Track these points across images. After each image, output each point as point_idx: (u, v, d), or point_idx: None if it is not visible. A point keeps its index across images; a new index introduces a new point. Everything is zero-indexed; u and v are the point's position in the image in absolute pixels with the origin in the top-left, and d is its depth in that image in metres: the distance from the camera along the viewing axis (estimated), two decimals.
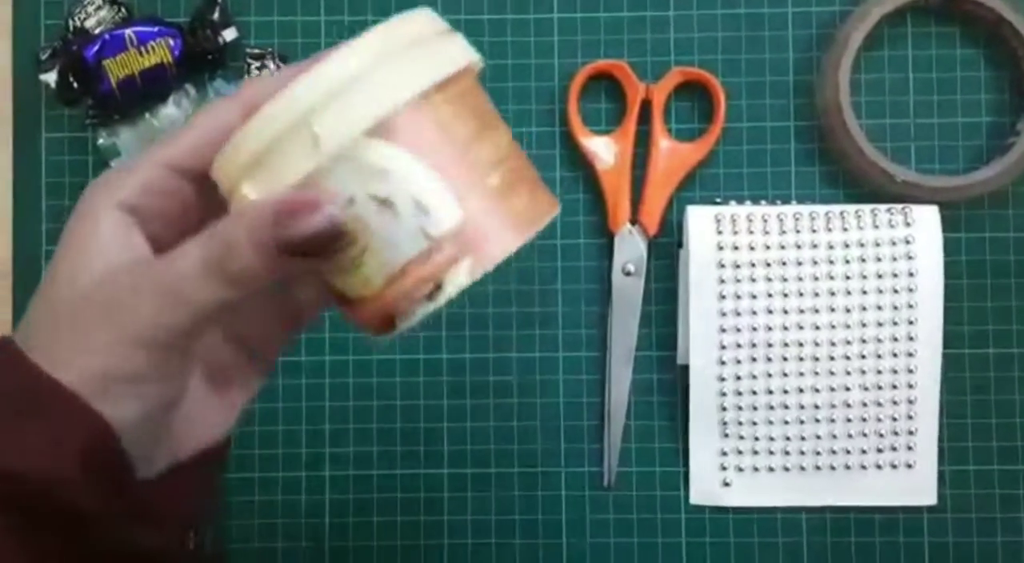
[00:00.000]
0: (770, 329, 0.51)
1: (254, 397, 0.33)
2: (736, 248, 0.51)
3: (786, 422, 0.51)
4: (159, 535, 0.30)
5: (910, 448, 0.51)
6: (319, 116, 0.25)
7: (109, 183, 0.30)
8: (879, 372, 0.51)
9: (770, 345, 0.51)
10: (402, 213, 0.26)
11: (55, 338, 0.29)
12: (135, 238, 0.30)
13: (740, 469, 0.52)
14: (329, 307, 0.31)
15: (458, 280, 0.26)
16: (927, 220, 0.51)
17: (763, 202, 0.52)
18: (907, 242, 0.51)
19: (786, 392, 0.51)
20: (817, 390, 0.51)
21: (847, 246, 0.51)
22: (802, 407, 0.51)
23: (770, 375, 0.51)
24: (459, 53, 0.27)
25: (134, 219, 0.30)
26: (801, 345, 0.51)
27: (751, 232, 0.51)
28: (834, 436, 0.51)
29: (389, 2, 0.54)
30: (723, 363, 0.51)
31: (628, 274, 0.52)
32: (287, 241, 0.26)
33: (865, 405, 0.51)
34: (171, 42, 0.50)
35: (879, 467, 0.51)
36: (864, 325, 0.51)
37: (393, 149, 0.25)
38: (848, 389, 0.51)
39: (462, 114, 0.26)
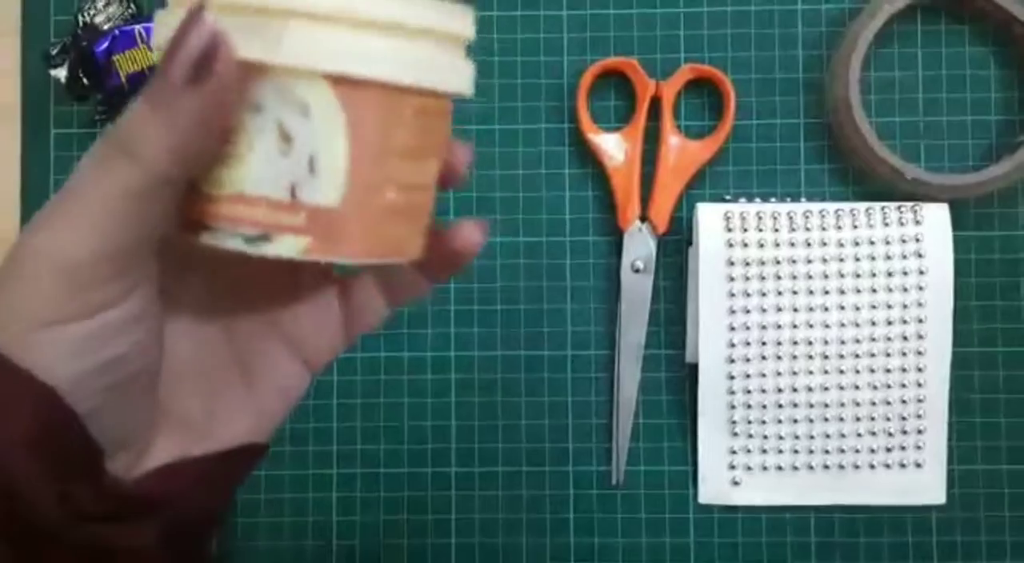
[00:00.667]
0: (779, 327, 0.51)
1: (291, 406, 0.32)
2: (745, 245, 0.51)
3: (795, 421, 0.51)
4: (147, 534, 0.27)
5: (919, 447, 0.51)
6: (305, 24, 0.23)
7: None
8: (888, 371, 0.51)
9: (779, 343, 0.51)
10: (291, 157, 0.24)
11: None
12: None
13: (749, 468, 0.52)
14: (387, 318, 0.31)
15: (283, 248, 0.25)
16: (937, 218, 0.51)
17: (772, 199, 0.52)
18: (917, 240, 0.51)
19: (795, 390, 0.51)
20: (826, 388, 0.51)
21: (857, 244, 0.51)
22: (811, 406, 0.51)
23: (779, 373, 0.51)
24: (462, 78, 0.26)
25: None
26: (810, 343, 0.51)
27: (760, 230, 0.51)
28: (843, 435, 0.51)
29: None
30: (732, 361, 0.51)
31: (637, 271, 0.52)
32: (181, 66, 0.23)
33: (874, 404, 0.51)
34: None
35: (888, 466, 0.51)
36: (873, 323, 0.51)
37: (333, 104, 0.24)
38: (857, 387, 0.51)
39: (414, 128, 0.25)
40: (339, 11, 0.23)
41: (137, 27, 0.50)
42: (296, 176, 0.24)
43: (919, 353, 0.51)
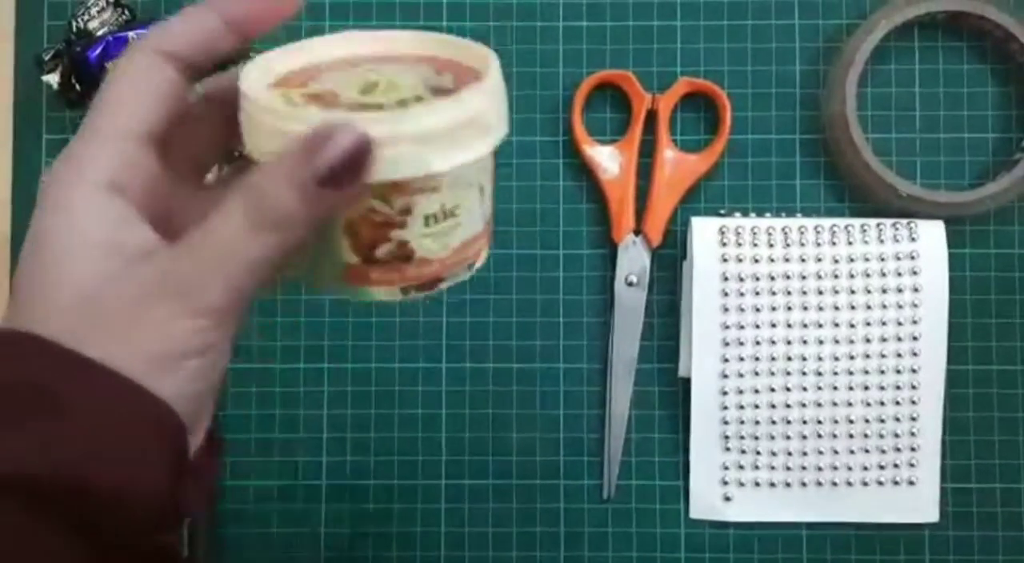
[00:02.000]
0: (773, 343, 0.51)
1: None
2: (740, 260, 0.51)
3: (788, 437, 0.51)
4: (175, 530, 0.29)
5: (912, 465, 0.51)
6: (487, 119, 0.30)
7: (80, 161, 0.28)
8: (882, 388, 0.51)
9: (773, 359, 0.51)
10: (484, 197, 0.31)
11: (81, 335, 0.27)
12: (134, 224, 0.28)
13: (741, 484, 0.51)
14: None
15: (484, 259, 0.32)
16: (932, 235, 0.51)
17: (768, 215, 0.52)
18: (912, 257, 0.51)
19: (788, 406, 0.51)
20: (819, 405, 0.51)
21: (852, 260, 0.51)
22: (804, 422, 0.51)
23: (772, 389, 0.51)
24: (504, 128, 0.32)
25: (122, 199, 0.28)
26: (804, 359, 0.51)
27: (755, 244, 0.51)
28: (836, 451, 0.51)
29: (392, 9, 0.53)
30: (725, 376, 0.51)
31: (631, 285, 0.52)
32: (323, 170, 0.26)
33: (867, 421, 0.51)
34: None
35: (881, 483, 0.51)
36: (868, 340, 0.51)
37: (485, 163, 0.31)
38: (851, 404, 0.51)
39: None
40: (489, 101, 0.30)
41: (131, 34, 0.50)
42: (485, 208, 0.31)
43: (913, 370, 0.51)
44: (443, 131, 0.28)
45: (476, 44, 0.32)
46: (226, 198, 0.27)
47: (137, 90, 0.29)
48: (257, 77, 0.30)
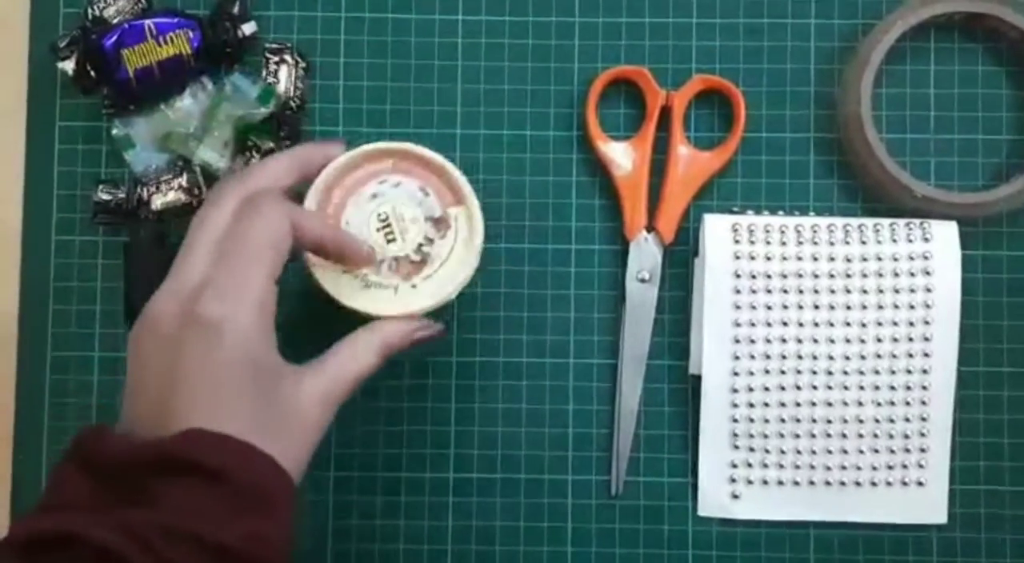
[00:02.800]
0: (784, 341, 0.51)
1: None
2: (752, 258, 0.51)
3: (797, 435, 0.51)
4: None
5: (921, 465, 0.51)
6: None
7: (237, 288, 0.39)
8: (892, 388, 0.51)
9: (784, 357, 0.51)
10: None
11: (256, 439, 0.37)
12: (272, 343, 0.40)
13: (750, 482, 0.51)
14: None
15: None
16: (945, 236, 0.51)
17: (780, 213, 0.52)
18: (925, 257, 0.51)
19: (798, 405, 0.51)
20: (830, 404, 0.51)
21: (864, 259, 0.51)
22: (814, 421, 0.51)
23: (783, 387, 0.51)
24: None
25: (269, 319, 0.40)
26: (815, 358, 0.51)
27: (768, 242, 0.51)
28: (845, 451, 0.51)
29: (409, 1, 0.53)
30: (736, 374, 0.51)
31: (643, 281, 0.52)
32: (424, 337, 0.45)
33: (877, 421, 0.51)
34: (190, 34, 0.50)
35: (889, 484, 0.51)
36: (879, 340, 0.51)
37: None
38: (861, 404, 0.51)
39: None
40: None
41: (147, 22, 0.50)
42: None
43: (924, 371, 0.51)
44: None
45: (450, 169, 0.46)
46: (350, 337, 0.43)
47: (276, 231, 0.40)
48: None
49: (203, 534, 0.34)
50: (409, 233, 0.45)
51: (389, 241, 0.45)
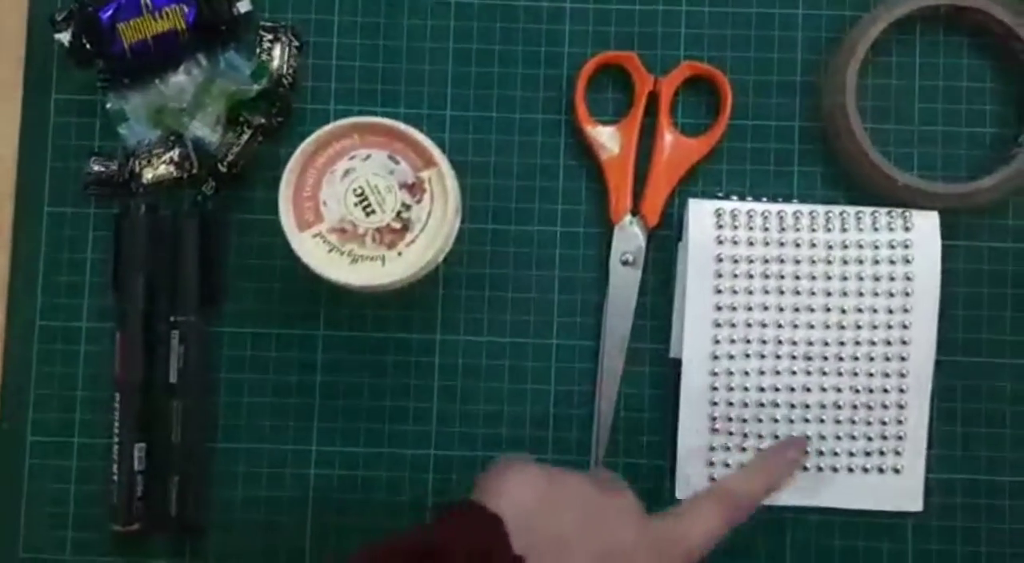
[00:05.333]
0: (764, 326, 0.51)
1: None
2: (735, 243, 0.51)
3: (775, 420, 0.51)
4: None
5: (898, 453, 0.51)
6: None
7: None
8: (871, 375, 0.51)
9: (763, 342, 0.51)
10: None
11: None
12: None
13: (727, 465, 0.52)
14: None
15: None
16: (927, 226, 0.51)
17: (764, 200, 0.52)
18: (905, 246, 0.51)
19: (777, 390, 0.51)
20: (808, 389, 0.51)
21: (845, 247, 0.51)
22: (792, 406, 0.51)
23: (762, 372, 0.51)
24: None
25: None
26: (794, 343, 0.51)
27: (751, 228, 0.51)
28: (823, 437, 0.51)
29: None
30: (715, 358, 0.51)
31: (626, 264, 0.52)
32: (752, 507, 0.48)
33: (855, 407, 0.51)
34: (185, 10, 0.51)
35: (866, 470, 0.51)
36: (858, 327, 0.51)
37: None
38: (839, 390, 0.51)
39: None
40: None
41: None
42: None
43: (902, 359, 0.51)
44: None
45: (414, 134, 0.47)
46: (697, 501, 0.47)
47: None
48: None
49: None
50: (386, 203, 0.46)
51: (369, 214, 0.46)
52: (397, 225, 0.46)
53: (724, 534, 0.46)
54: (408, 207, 0.46)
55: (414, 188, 0.46)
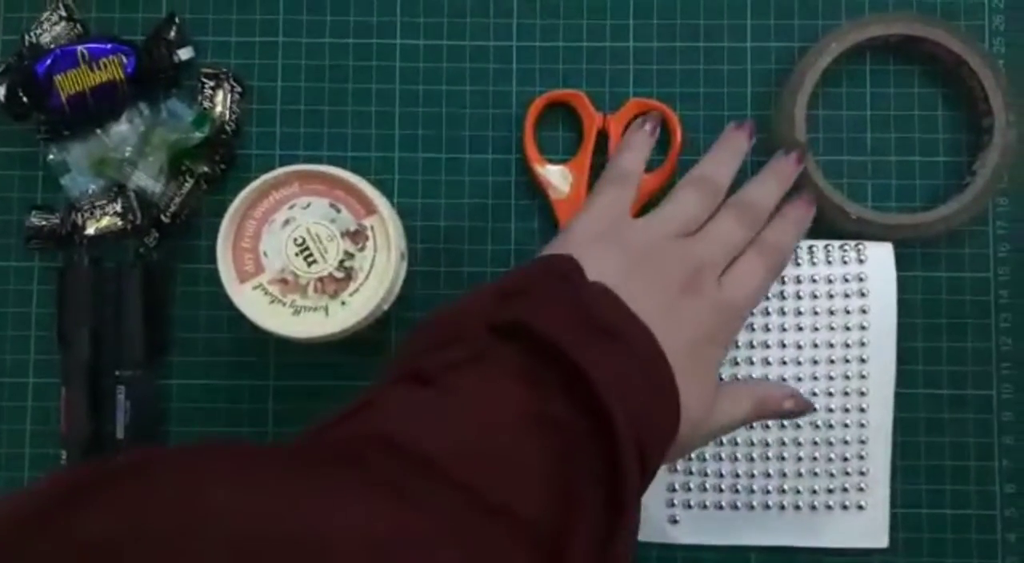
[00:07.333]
0: (721, 363, 0.50)
1: None
2: None
3: (736, 459, 0.51)
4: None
5: (862, 489, 0.51)
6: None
7: None
8: (831, 410, 0.50)
9: (720, 379, 0.50)
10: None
11: None
12: None
13: (688, 506, 0.51)
14: None
15: None
16: (881, 257, 0.51)
17: None
18: (860, 279, 0.50)
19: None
20: (767, 426, 0.50)
21: (799, 281, 0.50)
22: (752, 444, 0.50)
23: None
24: None
25: None
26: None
27: None
28: (784, 474, 0.50)
29: (347, 26, 0.54)
30: None
31: None
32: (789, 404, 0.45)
33: (816, 443, 0.50)
34: (124, 59, 0.50)
35: (830, 508, 0.51)
36: (816, 362, 0.50)
37: None
38: (799, 426, 0.50)
39: None
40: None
41: (80, 47, 0.50)
42: None
43: (861, 393, 0.50)
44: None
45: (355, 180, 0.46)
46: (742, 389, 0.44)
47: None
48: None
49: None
50: (328, 252, 0.45)
51: (310, 263, 0.45)
52: (340, 274, 0.45)
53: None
54: (351, 255, 0.46)
55: (357, 236, 0.46)
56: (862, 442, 0.50)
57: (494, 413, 0.34)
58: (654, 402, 0.37)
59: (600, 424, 0.34)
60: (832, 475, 0.50)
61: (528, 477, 0.32)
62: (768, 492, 0.50)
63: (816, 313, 0.50)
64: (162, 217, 0.51)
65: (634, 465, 0.34)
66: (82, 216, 0.51)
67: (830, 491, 0.50)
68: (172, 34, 0.51)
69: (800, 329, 0.50)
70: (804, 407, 0.44)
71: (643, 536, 0.51)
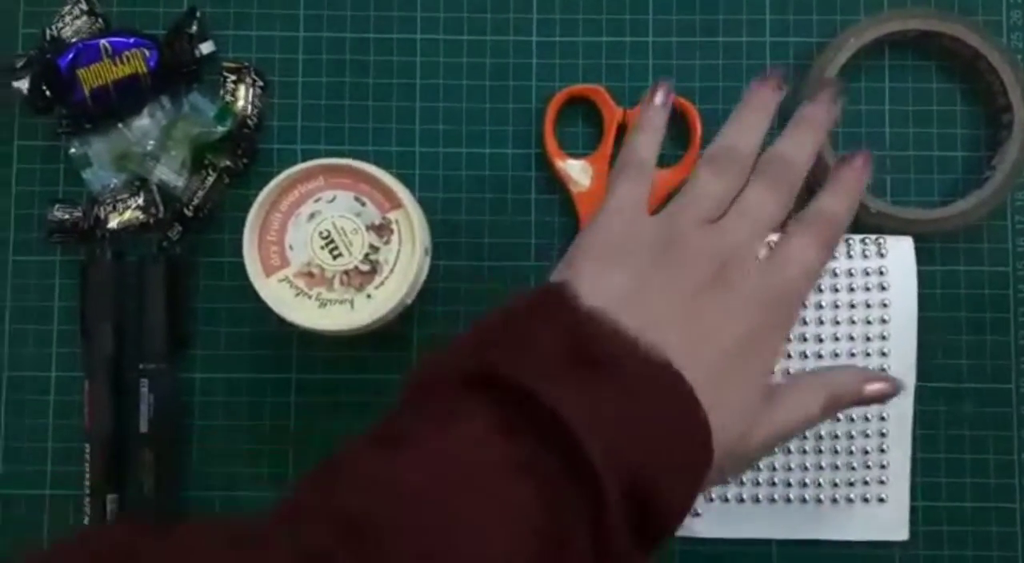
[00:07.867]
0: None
1: None
2: None
3: None
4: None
5: (882, 482, 0.51)
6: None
7: None
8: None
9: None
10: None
11: None
12: None
13: (710, 499, 0.51)
14: None
15: None
16: (901, 251, 0.51)
17: None
18: (880, 273, 0.51)
19: None
20: None
21: (820, 275, 0.51)
22: None
23: None
24: None
25: None
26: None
27: None
28: (805, 468, 0.51)
29: (367, 20, 0.54)
30: None
31: None
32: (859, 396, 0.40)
33: (836, 437, 0.51)
34: (146, 53, 0.50)
35: (851, 501, 0.51)
36: (836, 355, 0.51)
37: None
38: None
39: None
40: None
41: (102, 41, 0.50)
42: None
43: None
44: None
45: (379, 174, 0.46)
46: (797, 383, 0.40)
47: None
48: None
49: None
50: (354, 245, 0.46)
51: (336, 257, 0.45)
52: (365, 267, 0.46)
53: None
54: (376, 249, 0.46)
55: (381, 229, 0.46)
56: (882, 435, 0.51)
57: (462, 472, 0.31)
58: (660, 427, 0.33)
59: (576, 462, 0.31)
60: (853, 468, 0.51)
61: (504, 532, 0.30)
62: (789, 485, 0.51)
63: (836, 306, 0.51)
64: (184, 211, 0.51)
65: (618, 500, 0.31)
66: (104, 210, 0.51)
67: (851, 484, 0.51)
68: (193, 28, 0.51)
69: (821, 323, 0.51)
70: (891, 388, 0.40)
71: None
